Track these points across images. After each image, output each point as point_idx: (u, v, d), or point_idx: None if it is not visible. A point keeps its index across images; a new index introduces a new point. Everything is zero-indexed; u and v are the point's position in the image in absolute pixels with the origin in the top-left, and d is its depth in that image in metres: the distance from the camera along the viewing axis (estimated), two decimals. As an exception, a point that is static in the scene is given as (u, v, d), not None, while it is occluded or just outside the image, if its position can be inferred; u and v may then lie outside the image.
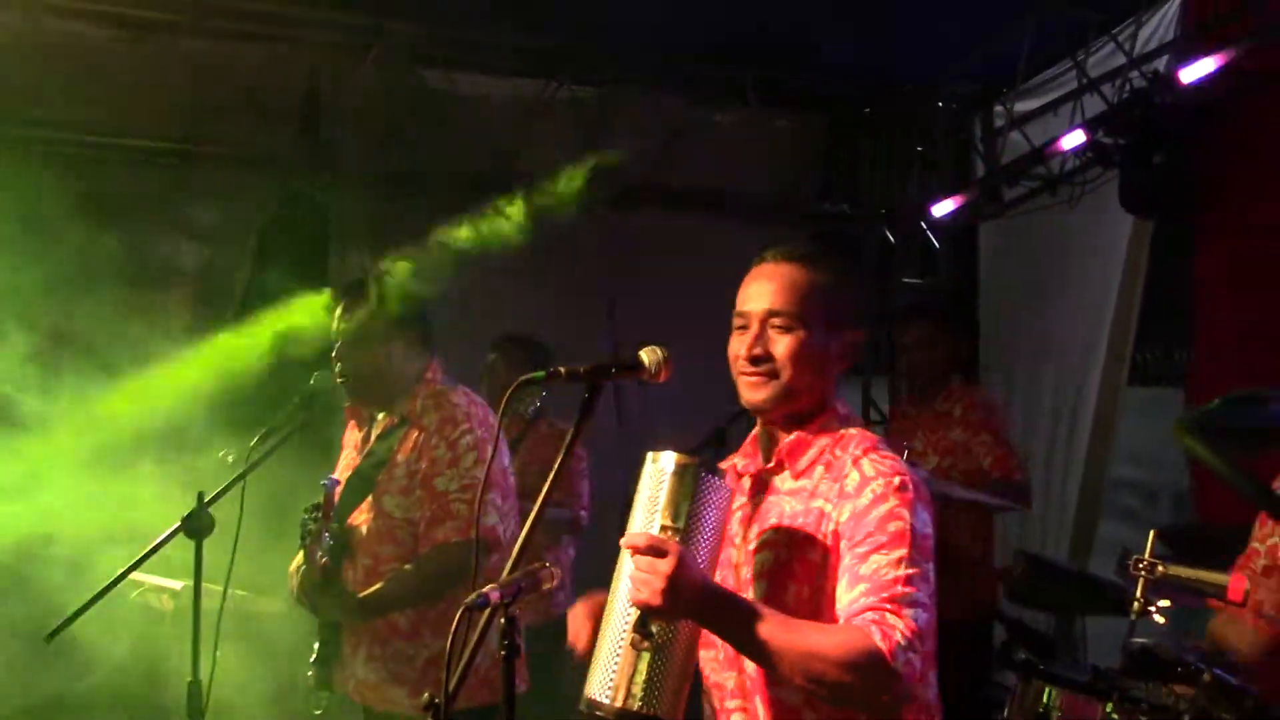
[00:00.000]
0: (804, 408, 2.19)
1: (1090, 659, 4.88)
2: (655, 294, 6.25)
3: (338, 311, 3.40)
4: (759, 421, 2.26)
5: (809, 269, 2.18)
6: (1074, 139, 5.60)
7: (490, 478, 3.16)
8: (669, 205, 6.52)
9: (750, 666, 2.12)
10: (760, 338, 2.16)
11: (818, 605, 2.06)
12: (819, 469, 2.15)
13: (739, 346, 2.18)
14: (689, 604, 1.93)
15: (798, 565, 2.09)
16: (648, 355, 2.12)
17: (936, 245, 6.89)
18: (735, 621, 1.95)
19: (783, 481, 2.20)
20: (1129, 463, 6.82)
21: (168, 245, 5.51)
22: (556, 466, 2.08)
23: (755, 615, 1.95)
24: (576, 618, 2.19)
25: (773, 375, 2.16)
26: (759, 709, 2.14)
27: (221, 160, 5.70)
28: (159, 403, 4.88)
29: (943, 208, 6.40)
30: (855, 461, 2.12)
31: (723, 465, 2.29)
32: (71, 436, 4.79)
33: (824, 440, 2.17)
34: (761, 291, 2.18)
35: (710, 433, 4.18)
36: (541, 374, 2.08)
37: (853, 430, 2.19)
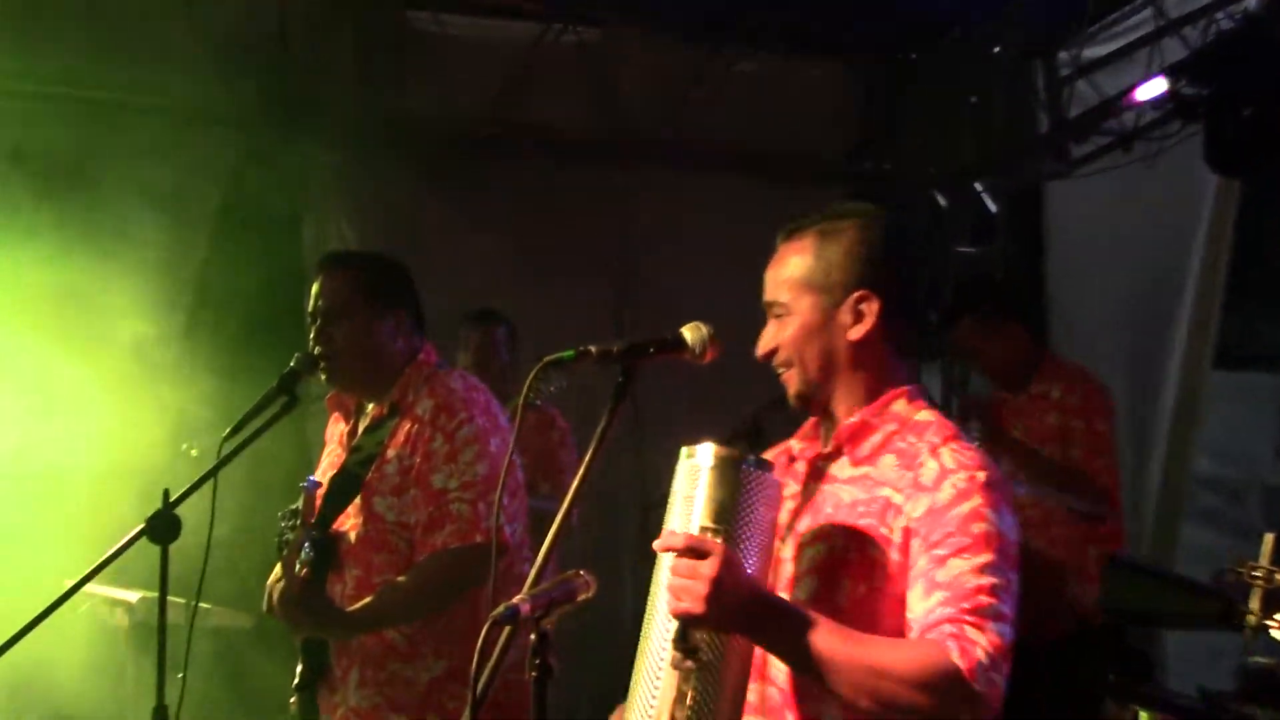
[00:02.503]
0: (847, 392, 2.22)
1: (1172, 678, 4.86)
2: (669, 268, 6.25)
3: (315, 286, 3.39)
4: None
5: (794, 241, 2.25)
6: (1151, 89, 5.56)
7: (499, 473, 3.14)
8: (684, 166, 6.52)
9: (780, 678, 2.13)
10: (768, 333, 2.26)
11: (874, 607, 2.06)
12: (888, 456, 2.16)
13: None
14: (738, 612, 1.93)
15: (854, 559, 2.10)
16: (691, 332, 2.14)
17: (993, 209, 6.87)
18: (791, 633, 1.95)
19: (841, 469, 2.21)
20: (1209, 456, 6.80)
21: (114, 211, 5.47)
22: (590, 455, 2.09)
23: (814, 626, 1.95)
24: None
25: (788, 366, 2.23)
26: None
27: (175, 114, 5.69)
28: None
29: (1000, 168, 6.35)
30: (933, 450, 2.12)
31: (771, 454, 2.31)
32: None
33: (891, 425, 2.19)
34: (766, 281, 2.27)
35: (741, 425, 4.19)
36: (570, 353, 2.08)
37: (928, 415, 2.20)
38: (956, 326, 4.82)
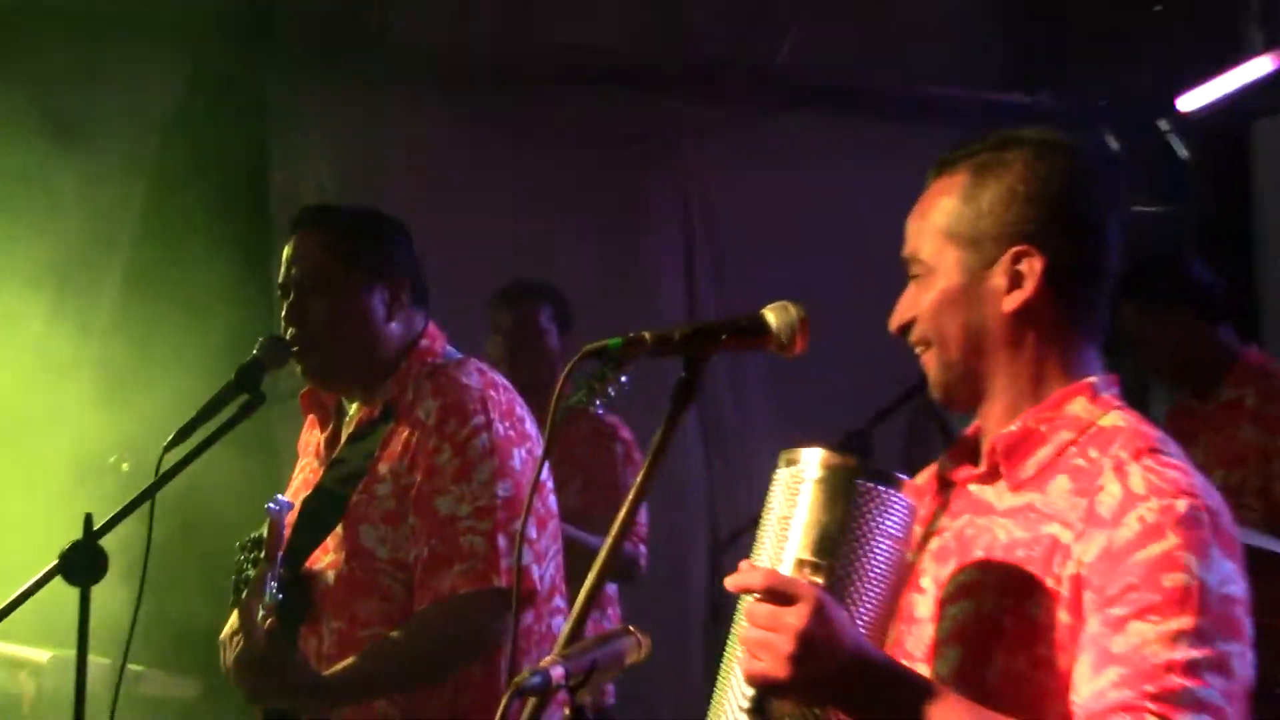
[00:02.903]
0: (1006, 385, 2.19)
1: None
2: (755, 233, 6.26)
3: (286, 250, 3.42)
4: None
5: (945, 178, 2.24)
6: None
7: (525, 496, 3.17)
8: (767, 101, 6.54)
9: None
10: (906, 298, 2.25)
11: (1036, 687, 2.01)
12: (1059, 478, 2.10)
13: None
14: (832, 680, 1.91)
15: (1010, 622, 2.04)
16: (775, 315, 2.13)
17: (1185, 154, 6.83)
18: (907, 714, 1.92)
19: (999, 495, 2.16)
20: None
21: (25, 149, 5.53)
22: (642, 477, 2.07)
23: (941, 706, 1.92)
24: None
25: (926, 344, 2.23)
26: None
27: (96, 23, 5.72)
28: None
29: (1196, 98, 6.33)
30: (1119, 468, 2.04)
31: (921, 478, 2.31)
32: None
33: (1065, 433, 2.13)
34: (908, 230, 2.26)
35: (846, 436, 4.21)
36: (616, 341, 2.08)
37: (1119, 418, 2.13)
38: (1120, 312, 4.80)
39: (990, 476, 2.18)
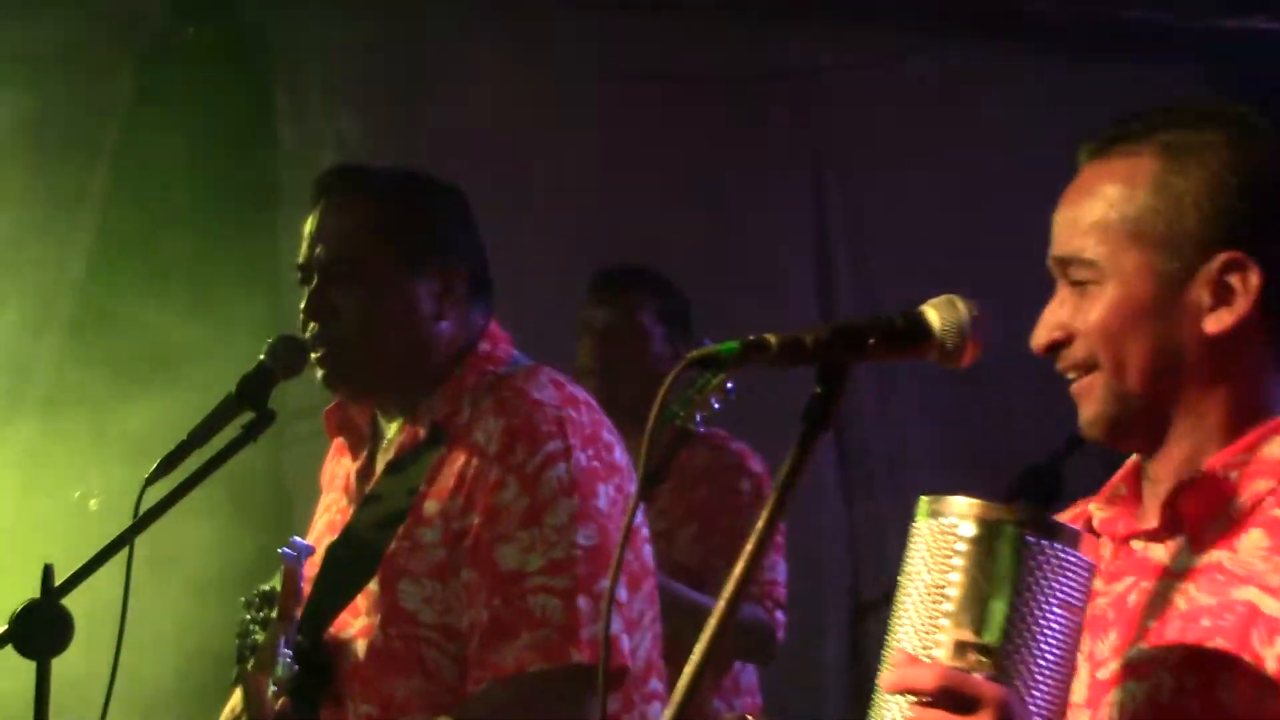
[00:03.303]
0: (1194, 423, 2.21)
1: None
2: (909, 206, 6.25)
3: (308, 224, 3.45)
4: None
5: (1114, 160, 2.24)
6: None
7: (613, 545, 3.17)
8: (909, 33, 6.59)
9: None
10: (1057, 308, 2.26)
11: None
12: (1253, 532, 2.12)
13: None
14: None
15: (1197, 712, 2.07)
16: (939, 313, 2.14)
17: None
18: None
19: (1174, 554, 2.19)
20: None
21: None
22: (765, 519, 2.09)
23: None
24: None
25: (1087, 368, 2.22)
26: None
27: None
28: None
29: None
30: None
31: (1068, 516, 2.32)
32: None
33: (1262, 482, 2.15)
34: (1057, 225, 2.28)
35: (1025, 472, 4.21)
36: (732, 345, 2.09)
37: None
38: None
39: (1166, 531, 2.19)
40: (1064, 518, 2.31)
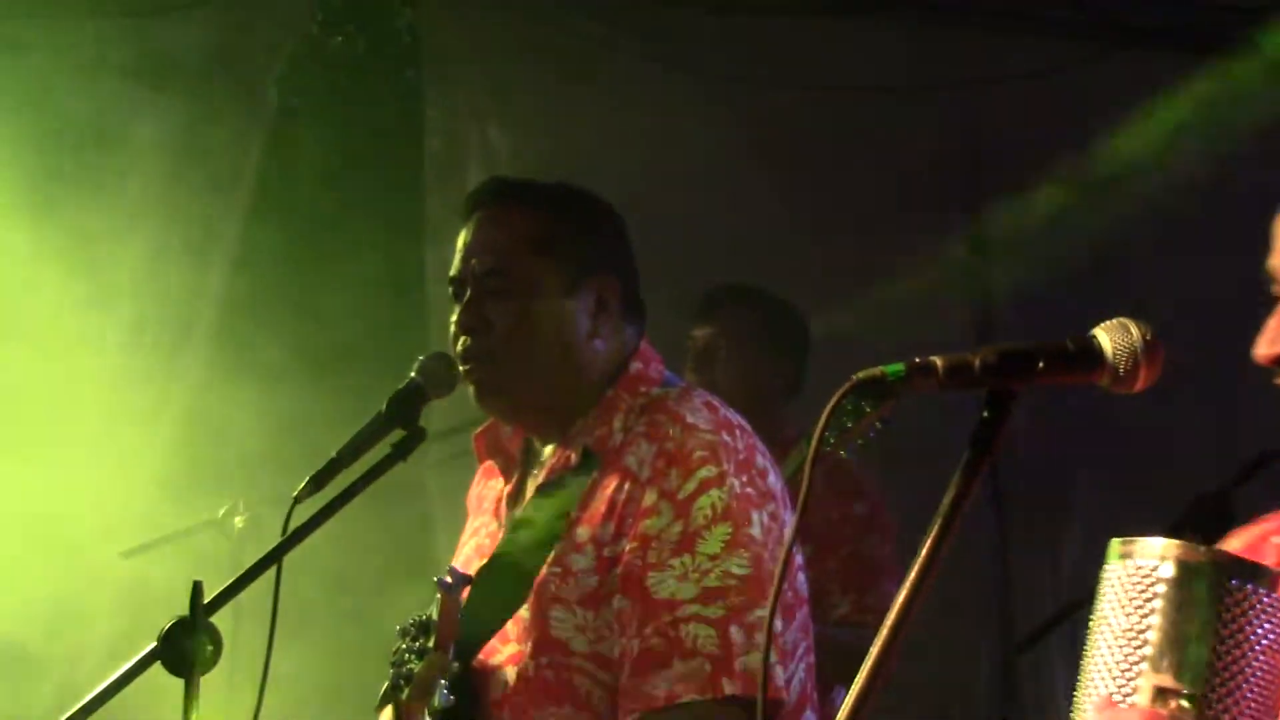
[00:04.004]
0: None
1: None
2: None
3: (462, 236, 3.46)
4: None
5: None
6: None
7: (770, 574, 3.15)
8: (1081, 34, 6.56)
9: None
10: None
11: None
12: None
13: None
14: None
15: None
16: (1111, 336, 2.13)
17: None
18: None
19: None
20: None
21: (109, 89, 5.63)
22: (926, 552, 2.06)
23: None
24: None
25: None
26: None
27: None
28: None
29: None
30: None
31: (1243, 536, 2.40)
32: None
33: None
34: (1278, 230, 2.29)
35: (1196, 501, 4.17)
36: (898, 367, 2.08)
37: None
38: None
39: None
40: (1240, 537, 2.41)
